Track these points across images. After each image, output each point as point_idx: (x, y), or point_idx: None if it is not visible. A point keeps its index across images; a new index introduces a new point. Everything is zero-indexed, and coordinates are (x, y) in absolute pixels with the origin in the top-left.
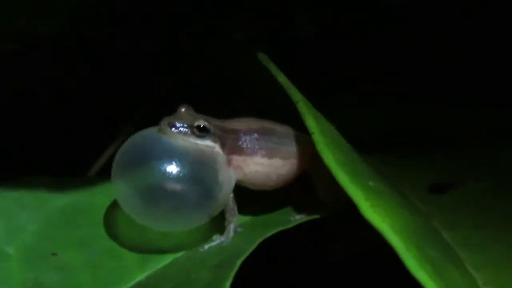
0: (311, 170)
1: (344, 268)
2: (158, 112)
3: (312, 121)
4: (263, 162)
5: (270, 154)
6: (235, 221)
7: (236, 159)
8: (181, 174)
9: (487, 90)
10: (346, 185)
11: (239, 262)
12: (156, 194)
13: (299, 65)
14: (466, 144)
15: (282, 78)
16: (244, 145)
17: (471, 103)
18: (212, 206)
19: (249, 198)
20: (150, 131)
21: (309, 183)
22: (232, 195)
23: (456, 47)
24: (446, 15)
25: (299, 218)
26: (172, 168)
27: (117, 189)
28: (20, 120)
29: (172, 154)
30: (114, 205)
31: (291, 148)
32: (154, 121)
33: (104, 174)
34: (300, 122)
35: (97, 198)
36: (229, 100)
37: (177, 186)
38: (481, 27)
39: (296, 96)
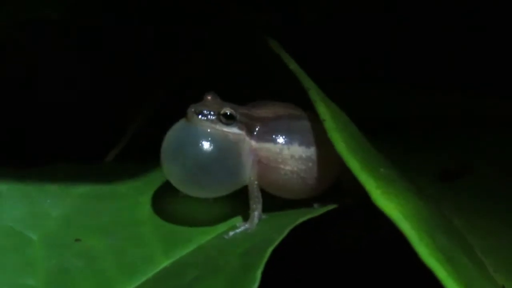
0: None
1: (352, 256)
2: (174, 99)
3: (323, 108)
4: (302, 154)
5: (307, 142)
6: (259, 208)
7: (270, 148)
8: (204, 157)
9: (497, 78)
10: (357, 172)
11: (269, 251)
12: (188, 170)
13: (303, 51)
14: (475, 130)
15: (293, 66)
16: (278, 133)
17: (479, 90)
18: (234, 182)
19: None
20: (181, 123)
21: None
22: (256, 182)
23: (466, 34)
24: None
25: (322, 206)
26: (198, 153)
27: (164, 168)
28: (35, 109)
29: (198, 141)
30: (136, 192)
31: (325, 135)
32: (169, 108)
33: (119, 160)
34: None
35: (119, 184)
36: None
37: (202, 166)
38: (483, 18)
39: (308, 83)
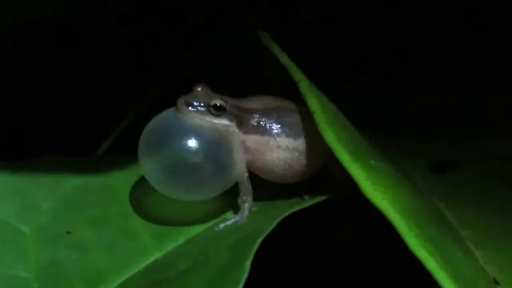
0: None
1: (345, 252)
2: (167, 92)
3: (313, 100)
4: (288, 145)
5: (294, 134)
6: (250, 200)
7: (258, 140)
8: (195, 151)
9: (493, 77)
10: (347, 164)
11: (259, 241)
12: (173, 168)
13: (301, 51)
14: (467, 126)
15: (284, 59)
16: (265, 125)
17: (475, 90)
18: (225, 180)
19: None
20: (170, 112)
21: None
22: (247, 174)
23: (460, 31)
24: None
25: (312, 198)
26: (187, 146)
27: (143, 164)
28: (28, 102)
29: (188, 133)
30: (128, 185)
31: (315, 130)
32: (162, 101)
33: (113, 154)
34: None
35: (110, 177)
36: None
37: (192, 162)
38: (481, 18)
39: (298, 75)
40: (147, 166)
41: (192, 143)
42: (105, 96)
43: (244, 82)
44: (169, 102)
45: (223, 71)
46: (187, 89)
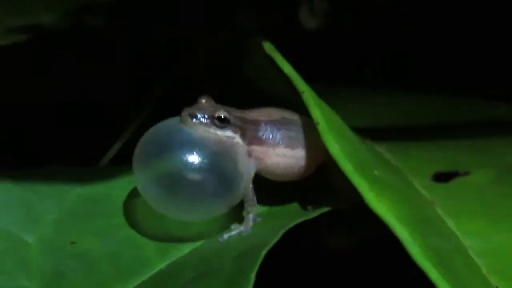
0: (328, 160)
1: (345, 257)
2: (169, 102)
3: (317, 111)
4: (286, 153)
5: (292, 145)
6: (254, 211)
7: (258, 150)
8: (200, 165)
9: (492, 81)
10: (351, 175)
11: (263, 253)
12: (175, 183)
13: (303, 56)
14: (470, 134)
15: (287, 69)
16: (266, 136)
17: (476, 93)
18: (231, 196)
19: (267, 188)
20: (171, 122)
21: (325, 174)
22: (251, 185)
23: (460, 36)
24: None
25: (317, 209)
26: (192, 159)
27: (137, 178)
28: (28, 102)
29: (192, 145)
30: (131, 195)
31: (312, 138)
32: (164, 111)
33: (116, 164)
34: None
35: (114, 187)
36: (234, 94)
37: (196, 176)
38: (483, 19)
39: (302, 86)
40: (142, 180)
41: (195, 156)
42: (104, 96)
43: (243, 82)
44: (170, 102)
45: (223, 71)
46: (187, 89)
